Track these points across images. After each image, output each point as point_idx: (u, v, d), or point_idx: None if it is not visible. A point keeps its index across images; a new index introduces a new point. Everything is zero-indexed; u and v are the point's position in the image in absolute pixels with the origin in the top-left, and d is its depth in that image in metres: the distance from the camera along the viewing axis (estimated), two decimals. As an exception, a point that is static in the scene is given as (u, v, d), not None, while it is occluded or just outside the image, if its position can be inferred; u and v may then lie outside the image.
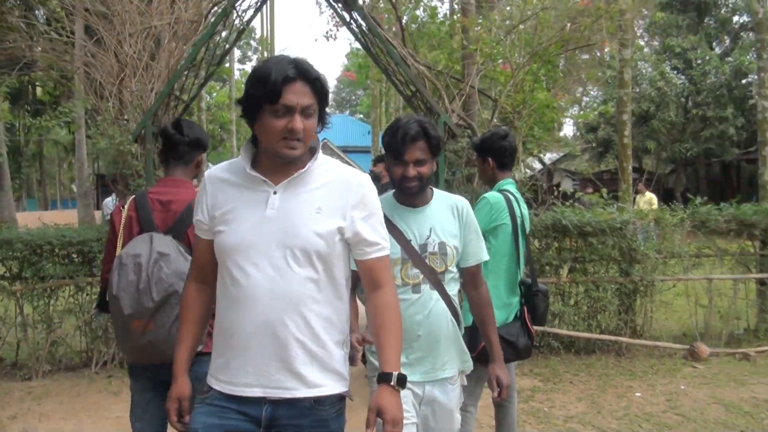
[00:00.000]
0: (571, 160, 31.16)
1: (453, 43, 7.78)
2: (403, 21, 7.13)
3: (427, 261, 2.61)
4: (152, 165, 5.76)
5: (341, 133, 39.48)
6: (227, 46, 6.71)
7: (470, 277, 2.77)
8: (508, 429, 3.77)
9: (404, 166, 2.58)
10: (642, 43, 26.67)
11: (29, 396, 5.61)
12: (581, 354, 6.41)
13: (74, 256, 6.06)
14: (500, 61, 6.61)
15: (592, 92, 31.59)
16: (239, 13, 6.33)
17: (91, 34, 6.59)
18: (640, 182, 15.59)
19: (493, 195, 3.52)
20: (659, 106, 22.20)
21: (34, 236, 6.03)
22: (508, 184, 3.66)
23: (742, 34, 25.98)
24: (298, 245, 1.94)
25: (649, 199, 13.27)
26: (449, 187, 6.09)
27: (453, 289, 2.70)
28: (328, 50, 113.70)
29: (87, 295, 6.27)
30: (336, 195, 2.00)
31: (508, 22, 6.59)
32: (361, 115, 50.77)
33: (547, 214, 6.35)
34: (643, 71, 23.65)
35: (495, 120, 6.40)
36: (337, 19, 6.97)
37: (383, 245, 2.07)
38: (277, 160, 1.98)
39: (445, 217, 2.69)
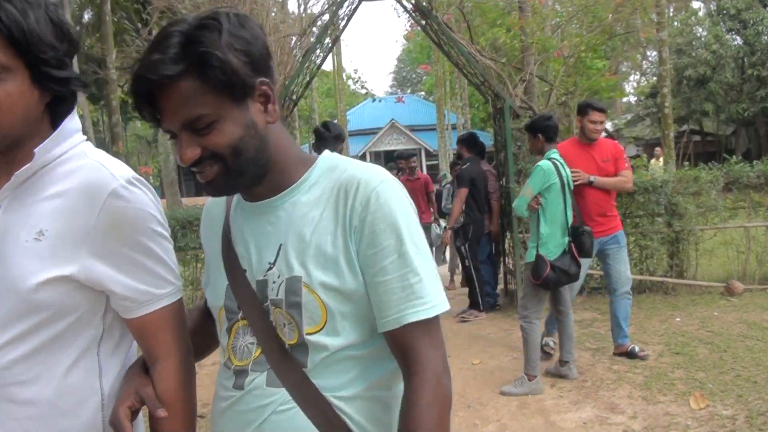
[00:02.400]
0: (633, 126, 31.67)
1: (510, 20, 8.59)
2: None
3: (270, 318, 1.31)
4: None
5: (407, 113, 40.55)
6: (324, 54, 8.13)
7: (400, 353, 1.28)
8: (567, 337, 5.11)
9: (175, 140, 1.23)
10: (696, 6, 26.91)
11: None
12: (634, 293, 7.58)
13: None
14: (552, 51, 7.81)
15: (650, 57, 31.90)
16: (334, 26, 7.73)
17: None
18: (659, 147, 16.57)
19: (544, 162, 4.87)
20: (715, 68, 22.68)
21: (184, 213, 7.62)
22: (554, 153, 5.01)
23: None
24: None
25: (660, 165, 14.17)
26: (516, 160, 7.37)
27: (336, 380, 1.29)
28: (387, 32, 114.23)
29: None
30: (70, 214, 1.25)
31: (556, 20, 7.78)
32: (423, 93, 51.62)
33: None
34: (698, 35, 24.07)
35: (551, 101, 7.63)
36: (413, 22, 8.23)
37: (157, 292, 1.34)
38: None
39: (319, 222, 1.29)
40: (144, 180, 1.34)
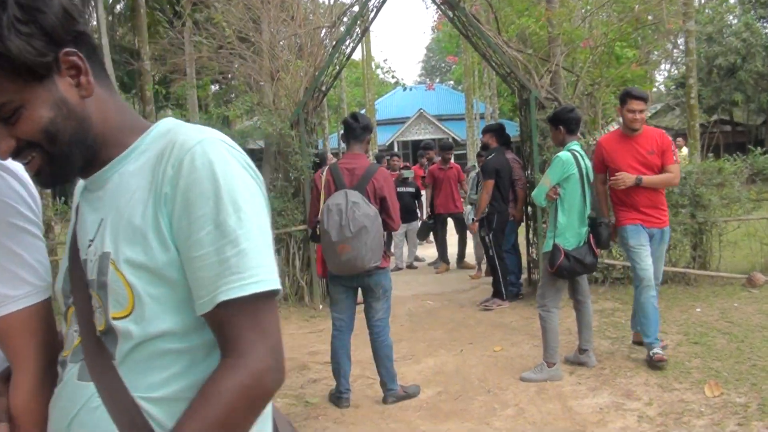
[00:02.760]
0: (662, 116, 31.30)
1: (538, 11, 8.62)
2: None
3: (92, 302, 1.17)
4: (305, 144, 7.46)
5: (435, 103, 40.52)
6: (353, 44, 8.28)
7: (219, 341, 1.12)
8: (586, 325, 5.24)
9: None
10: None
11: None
12: (655, 284, 7.71)
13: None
14: (579, 42, 7.86)
15: (681, 46, 31.43)
16: (364, 17, 7.88)
17: (244, 41, 8.25)
18: (681, 138, 16.52)
19: (564, 153, 4.99)
20: (745, 57, 22.35)
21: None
22: (575, 145, 5.11)
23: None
24: None
25: (684, 155, 14.09)
26: (541, 151, 7.46)
27: (150, 377, 1.12)
28: (417, 21, 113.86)
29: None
30: None
31: (583, 10, 7.83)
32: (452, 82, 51.50)
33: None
34: (729, 23, 23.74)
35: (577, 92, 7.69)
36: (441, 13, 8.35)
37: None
38: None
39: (135, 191, 1.16)
40: (8, 167, 1.25)
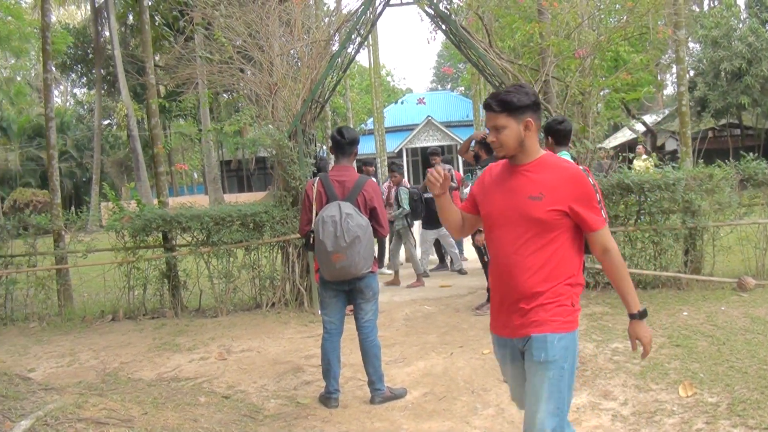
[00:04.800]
0: (672, 120, 31.29)
1: (531, 26, 8.81)
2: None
3: None
4: (302, 154, 7.70)
5: (443, 109, 40.70)
6: (350, 57, 8.51)
7: None
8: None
9: None
10: (733, -1, 26.54)
11: (219, 326, 7.65)
12: (647, 288, 7.84)
13: (250, 224, 8.06)
14: (567, 53, 8.03)
15: (693, 50, 31.43)
16: (359, 31, 8.10)
17: (244, 56, 8.50)
18: (641, 145, 16.77)
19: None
20: (751, 61, 22.39)
21: (218, 211, 8.07)
22: (564, 155, 5.27)
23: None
24: None
25: (647, 165, 14.24)
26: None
27: None
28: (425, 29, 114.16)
29: (257, 254, 8.31)
30: None
31: (571, 23, 8.01)
32: (462, 88, 51.71)
33: (614, 175, 7.81)
34: (734, 27, 23.78)
35: (567, 101, 7.86)
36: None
37: None
38: None
39: None
40: None
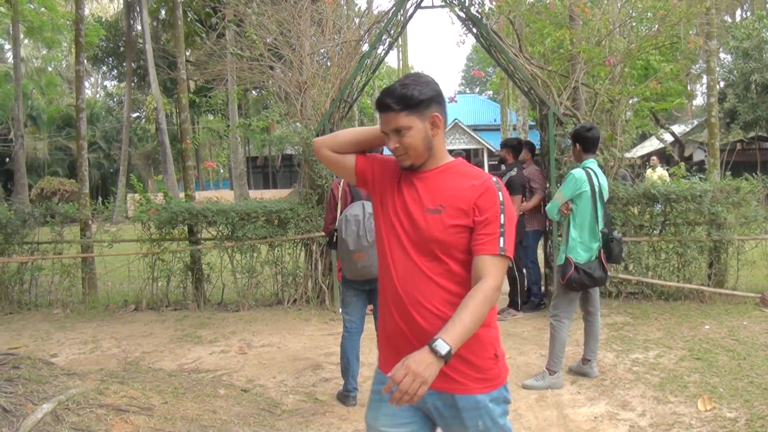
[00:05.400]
0: (701, 131, 30.96)
1: (563, 32, 8.77)
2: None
3: None
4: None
5: (471, 113, 40.55)
6: (380, 58, 8.55)
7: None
8: (593, 336, 5.40)
9: None
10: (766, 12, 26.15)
11: (241, 321, 7.74)
12: (670, 300, 7.79)
13: (275, 221, 8.14)
14: (597, 60, 8.00)
15: (724, 60, 31.07)
16: (390, 32, 8.15)
17: (275, 54, 8.58)
18: (655, 157, 16.59)
19: (577, 171, 5.15)
20: (783, 74, 22.09)
21: (244, 207, 8.16)
22: (590, 162, 5.27)
23: None
24: None
25: (660, 175, 14.10)
26: (558, 165, 7.62)
27: None
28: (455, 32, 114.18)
29: (281, 251, 8.39)
30: None
31: (602, 31, 7.98)
32: (490, 92, 51.57)
33: (640, 185, 7.78)
34: (766, 40, 23.47)
35: (596, 108, 7.83)
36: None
37: None
38: None
39: None
40: None
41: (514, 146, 7.95)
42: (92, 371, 5.76)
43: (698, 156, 30.94)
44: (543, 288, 8.22)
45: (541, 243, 8.25)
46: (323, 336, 7.05)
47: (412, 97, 2.24)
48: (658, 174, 14.57)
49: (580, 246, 5.15)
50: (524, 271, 7.91)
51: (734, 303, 7.63)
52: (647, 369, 5.44)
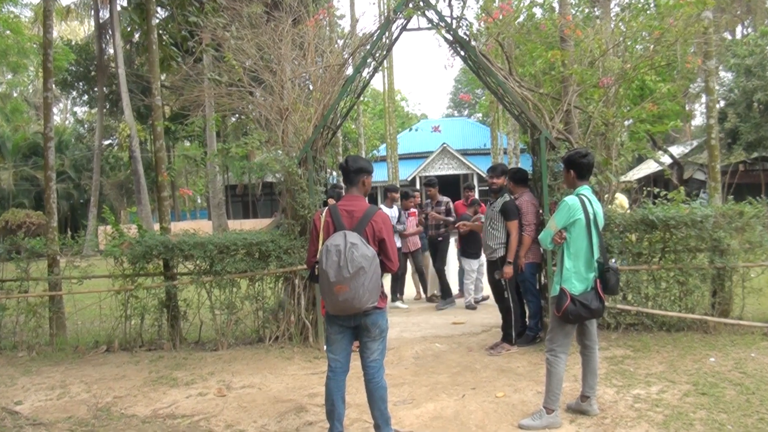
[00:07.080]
0: (700, 152, 31.29)
1: (553, 53, 8.90)
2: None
3: None
4: (312, 182, 7.80)
5: (459, 137, 40.84)
6: (364, 83, 8.64)
7: None
8: (591, 372, 5.40)
9: None
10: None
11: (220, 360, 7.69)
12: (671, 331, 7.81)
13: (255, 254, 8.13)
14: (589, 83, 8.11)
15: (724, 79, 31.53)
16: (374, 55, 8.23)
17: (255, 78, 8.64)
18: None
19: (570, 198, 5.20)
20: (787, 93, 22.43)
21: (222, 239, 8.15)
22: (584, 189, 5.31)
23: None
24: None
25: (620, 202, 14.15)
26: (551, 191, 7.68)
27: None
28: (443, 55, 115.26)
29: (261, 285, 8.36)
30: None
31: (596, 51, 8.11)
32: (479, 115, 52.02)
33: (637, 211, 7.84)
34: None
35: (590, 132, 7.92)
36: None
37: None
38: None
39: None
40: None
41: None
42: (60, 420, 5.69)
43: (699, 176, 31.21)
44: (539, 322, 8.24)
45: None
46: (307, 375, 7.01)
47: None
48: (617, 202, 14.58)
49: (575, 276, 5.17)
50: (521, 302, 7.97)
51: (740, 333, 7.67)
52: (650, 405, 5.44)
